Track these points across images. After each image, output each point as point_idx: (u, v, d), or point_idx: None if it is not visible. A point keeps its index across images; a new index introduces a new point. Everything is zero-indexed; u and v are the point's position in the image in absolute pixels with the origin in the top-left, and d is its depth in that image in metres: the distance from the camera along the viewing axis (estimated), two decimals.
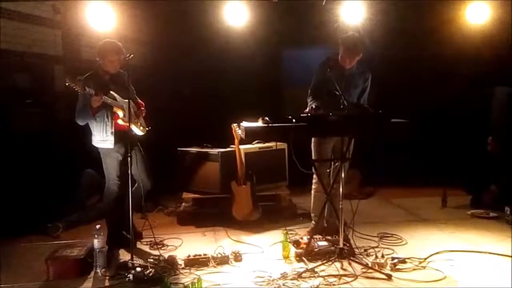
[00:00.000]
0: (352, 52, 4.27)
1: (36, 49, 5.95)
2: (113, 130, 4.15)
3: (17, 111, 5.66)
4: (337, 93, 4.02)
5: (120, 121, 4.20)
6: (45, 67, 6.15)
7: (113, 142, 4.16)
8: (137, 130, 4.38)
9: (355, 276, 3.65)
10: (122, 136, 4.17)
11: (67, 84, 3.83)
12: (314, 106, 4.20)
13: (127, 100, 4.13)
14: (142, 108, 4.50)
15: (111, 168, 4.26)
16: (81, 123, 4.16)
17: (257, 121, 3.85)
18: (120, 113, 4.17)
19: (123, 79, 4.19)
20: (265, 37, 6.20)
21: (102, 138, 4.19)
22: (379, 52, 6.27)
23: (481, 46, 5.83)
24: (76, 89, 3.87)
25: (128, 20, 5.17)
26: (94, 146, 4.26)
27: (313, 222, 4.64)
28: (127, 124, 4.09)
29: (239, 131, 4.51)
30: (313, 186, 4.57)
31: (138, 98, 4.55)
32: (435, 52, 6.25)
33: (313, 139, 4.45)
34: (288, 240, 4.17)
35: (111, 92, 4.15)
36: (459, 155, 5.83)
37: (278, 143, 5.31)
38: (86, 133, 4.29)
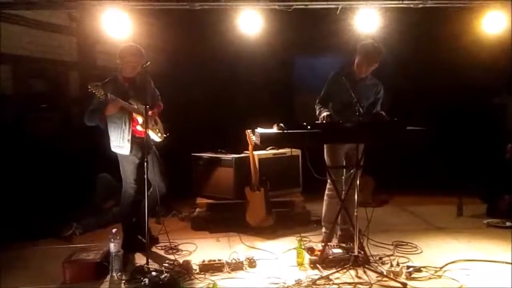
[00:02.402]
0: (370, 58, 4.26)
1: (52, 55, 6.05)
2: (129, 138, 4.19)
3: (33, 116, 5.74)
4: (354, 100, 4.03)
5: (139, 127, 4.24)
6: (61, 73, 6.25)
7: (129, 149, 4.20)
8: (155, 137, 4.41)
9: (370, 284, 3.63)
10: (139, 141, 4.21)
11: (89, 89, 3.88)
12: (326, 114, 4.21)
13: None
14: (151, 112, 4.37)
15: (128, 171, 4.30)
16: (88, 123, 4.19)
17: (271, 127, 3.87)
18: (140, 119, 4.21)
19: (142, 85, 4.22)
20: (278, 45, 6.23)
21: (119, 144, 4.23)
22: (394, 60, 6.28)
23: (497, 55, 5.80)
24: (98, 95, 3.91)
25: (143, 27, 5.23)
26: (112, 150, 4.30)
27: (323, 230, 4.63)
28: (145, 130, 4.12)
29: (254, 137, 4.55)
30: (327, 192, 4.55)
31: (160, 100, 4.58)
32: (451, 61, 6.23)
33: (325, 146, 4.45)
34: (302, 247, 4.16)
35: (131, 100, 4.19)
36: (475, 163, 5.79)
37: (293, 149, 5.31)
38: (103, 137, 4.33)
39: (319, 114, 4.32)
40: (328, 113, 4.22)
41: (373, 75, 4.47)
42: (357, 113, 3.96)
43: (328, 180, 4.45)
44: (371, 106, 4.45)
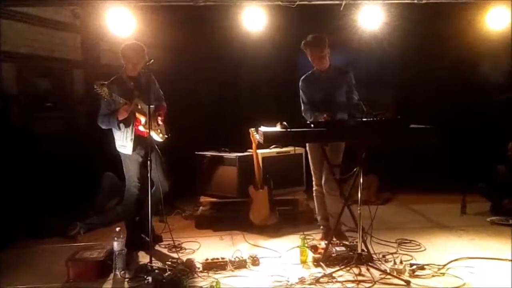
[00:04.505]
0: (316, 48, 4.36)
1: (56, 53, 6.06)
2: (132, 137, 4.21)
3: (37, 115, 5.76)
4: (355, 97, 4.04)
5: (141, 128, 4.25)
6: (65, 72, 6.25)
7: (131, 148, 4.22)
8: (156, 137, 4.42)
9: (373, 282, 3.62)
10: (142, 140, 4.22)
11: (95, 89, 3.89)
12: (326, 114, 4.21)
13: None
14: (157, 113, 4.43)
15: (131, 170, 4.32)
16: (103, 127, 4.22)
17: (275, 125, 3.86)
18: (143, 119, 4.22)
19: (147, 85, 4.22)
20: (282, 42, 6.21)
21: (122, 144, 4.25)
22: (398, 57, 6.25)
23: (501, 51, 5.77)
24: (103, 95, 3.93)
25: (147, 25, 5.23)
26: (116, 149, 4.32)
27: (321, 226, 4.68)
28: (148, 131, 4.13)
29: (257, 136, 4.54)
30: (314, 188, 4.66)
31: (163, 100, 4.59)
32: (455, 57, 6.20)
33: (307, 145, 4.54)
34: (306, 245, 4.16)
35: (135, 99, 4.20)
36: (479, 161, 5.76)
37: (296, 148, 5.31)
38: (107, 136, 4.34)
39: (315, 118, 4.34)
40: (327, 114, 4.24)
41: (336, 65, 4.54)
42: (361, 112, 3.97)
43: (313, 178, 4.58)
44: (347, 94, 4.44)
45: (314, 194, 4.69)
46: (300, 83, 4.59)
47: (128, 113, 4.12)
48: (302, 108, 4.58)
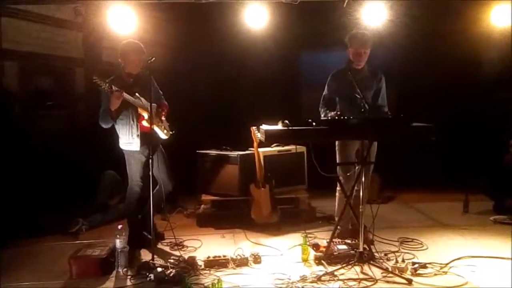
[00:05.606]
0: (362, 45, 4.29)
1: (58, 51, 6.06)
2: (138, 133, 4.19)
3: (39, 113, 5.77)
4: (358, 96, 4.02)
5: (144, 123, 4.23)
6: (67, 69, 6.26)
7: (139, 144, 4.19)
8: (161, 133, 4.41)
9: (375, 280, 3.62)
10: (147, 138, 4.20)
11: (94, 81, 3.86)
12: (334, 113, 4.18)
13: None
14: (160, 110, 4.45)
15: (134, 169, 4.30)
16: (104, 126, 4.19)
17: (276, 124, 3.85)
18: (145, 115, 4.21)
19: (146, 82, 4.21)
20: (285, 40, 6.19)
21: (128, 141, 4.22)
22: (401, 54, 6.23)
23: (505, 49, 5.74)
24: (103, 87, 3.90)
25: (148, 22, 5.22)
26: (119, 147, 4.30)
27: (338, 227, 4.61)
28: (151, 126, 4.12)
29: (259, 134, 4.53)
30: (338, 189, 4.54)
31: (163, 99, 4.58)
32: (459, 54, 6.17)
33: (337, 143, 4.44)
34: (308, 243, 4.16)
35: (136, 94, 4.19)
36: (482, 159, 5.74)
37: (298, 146, 5.29)
38: (110, 134, 4.33)
39: (325, 116, 4.31)
40: (334, 112, 4.21)
41: (371, 64, 4.48)
42: (362, 109, 3.95)
43: (340, 178, 4.43)
44: (374, 96, 4.42)
45: (337, 195, 4.53)
46: (329, 77, 4.49)
47: (119, 101, 4.01)
48: (320, 102, 4.50)
